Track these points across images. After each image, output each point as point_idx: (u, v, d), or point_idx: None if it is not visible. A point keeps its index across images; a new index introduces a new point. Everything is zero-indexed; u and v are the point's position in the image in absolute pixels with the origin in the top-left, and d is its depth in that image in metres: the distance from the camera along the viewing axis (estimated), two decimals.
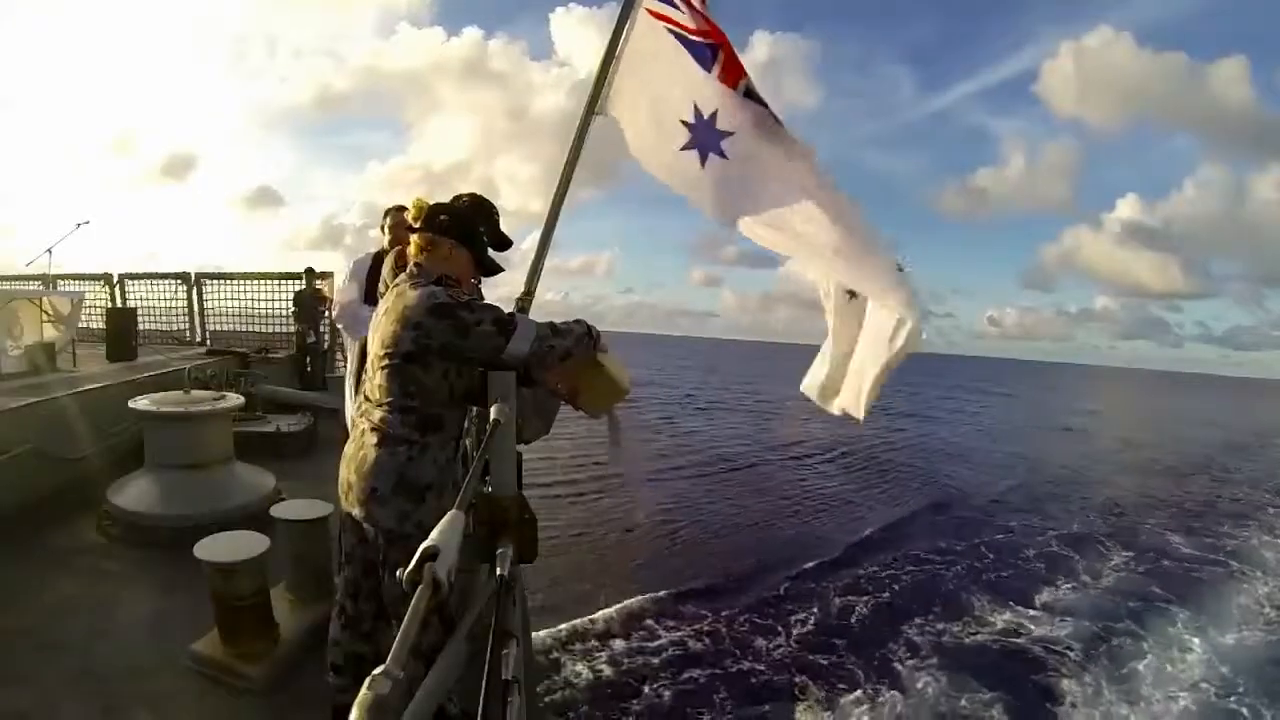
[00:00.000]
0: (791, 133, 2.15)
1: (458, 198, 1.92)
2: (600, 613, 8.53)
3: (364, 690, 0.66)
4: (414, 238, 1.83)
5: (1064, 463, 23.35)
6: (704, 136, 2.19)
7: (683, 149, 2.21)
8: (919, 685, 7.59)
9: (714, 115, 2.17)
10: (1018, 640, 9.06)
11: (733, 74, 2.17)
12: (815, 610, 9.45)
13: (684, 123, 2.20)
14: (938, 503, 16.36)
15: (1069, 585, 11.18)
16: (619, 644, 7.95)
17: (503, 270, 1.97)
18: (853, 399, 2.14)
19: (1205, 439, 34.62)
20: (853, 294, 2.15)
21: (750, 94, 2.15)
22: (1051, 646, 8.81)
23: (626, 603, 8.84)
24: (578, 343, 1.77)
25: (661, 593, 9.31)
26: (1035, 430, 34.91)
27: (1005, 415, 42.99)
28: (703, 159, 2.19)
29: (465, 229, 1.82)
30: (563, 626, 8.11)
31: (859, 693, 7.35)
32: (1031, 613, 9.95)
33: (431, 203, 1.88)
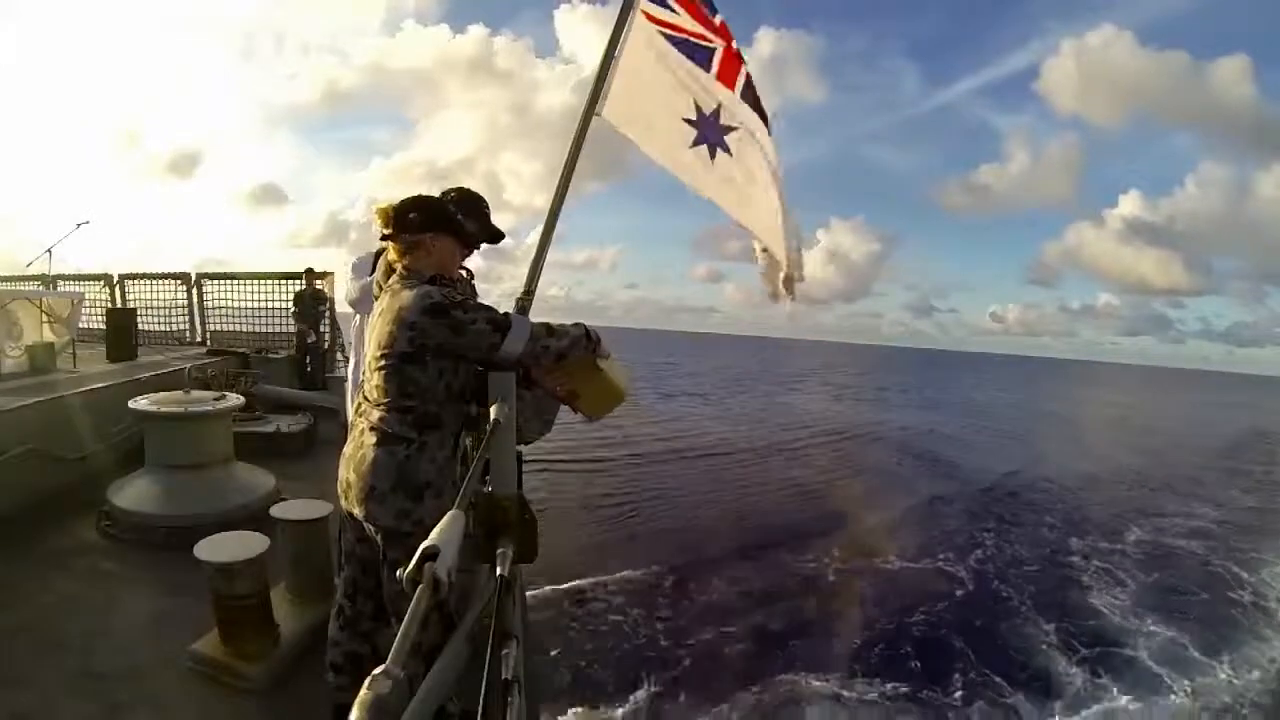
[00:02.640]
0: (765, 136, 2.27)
1: (446, 192, 1.90)
2: (588, 581, 8.74)
3: (364, 690, 0.65)
4: (390, 244, 1.79)
5: (1118, 447, 26.48)
6: (708, 132, 2.24)
7: (692, 146, 2.25)
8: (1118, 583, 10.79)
9: (716, 111, 2.22)
10: (1164, 548, 12.82)
11: (729, 75, 2.22)
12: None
13: (687, 120, 2.24)
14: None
15: (1176, 520, 15.02)
16: (611, 617, 8.13)
17: (485, 244, 1.95)
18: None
19: (1235, 422, 40.19)
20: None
21: (745, 96, 2.22)
22: (1194, 553, 12.75)
23: (615, 576, 9.04)
24: (574, 344, 1.75)
25: (653, 568, 9.51)
26: (1066, 421, 38.32)
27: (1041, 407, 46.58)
28: (712, 154, 2.24)
29: (437, 217, 1.78)
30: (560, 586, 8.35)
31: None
32: (1162, 539, 13.49)
33: (398, 201, 1.80)
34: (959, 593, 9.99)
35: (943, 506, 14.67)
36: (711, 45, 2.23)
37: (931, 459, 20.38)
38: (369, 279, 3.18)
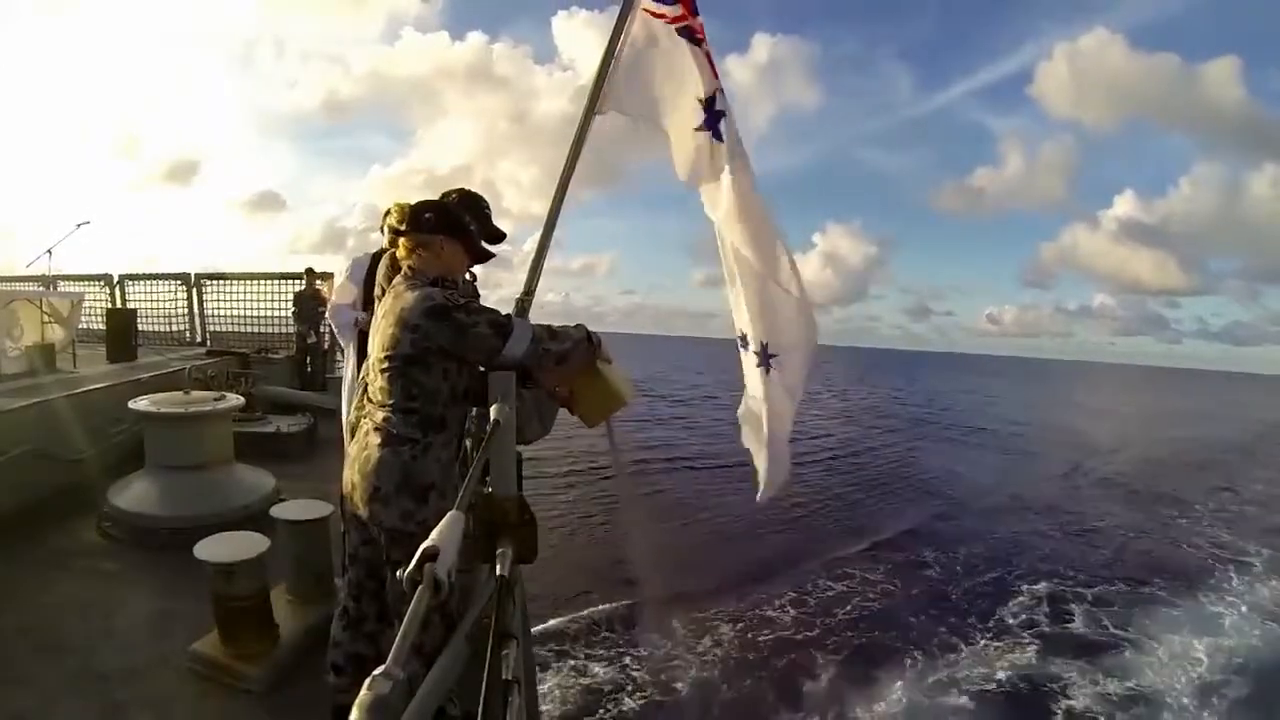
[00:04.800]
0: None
1: (447, 194, 1.92)
2: (593, 610, 8.62)
3: (364, 690, 0.66)
4: (401, 241, 1.83)
5: (1153, 438, 30.17)
6: (710, 119, 2.25)
7: (697, 129, 2.25)
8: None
9: (712, 97, 2.24)
10: (1232, 513, 16.40)
11: (713, 67, 2.25)
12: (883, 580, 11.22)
13: (700, 100, 2.24)
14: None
15: (1228, 494, 18.54)
16: (612, 646, 8.08)
17: (494, 255, 1.98)
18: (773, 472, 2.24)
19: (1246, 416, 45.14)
20: (765, 365, 2.21)
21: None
22: (1259, 515, 16.27)
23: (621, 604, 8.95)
24: (575, 347, 1.76)
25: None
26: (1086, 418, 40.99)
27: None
28: (715, 139, 2.24)
29: (451, 222, 1.81)
30: (555, 621, 8.29)
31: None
32: (1227, 507, 17.03)
33: (414, 202, 1.87)
34: (1129, 539, 13.97)
35: (1077, 486, 19.11)
36: (700, 37, 2.26)
37: (1029, 450, 25.09)
38: (346, 302, 3.17)
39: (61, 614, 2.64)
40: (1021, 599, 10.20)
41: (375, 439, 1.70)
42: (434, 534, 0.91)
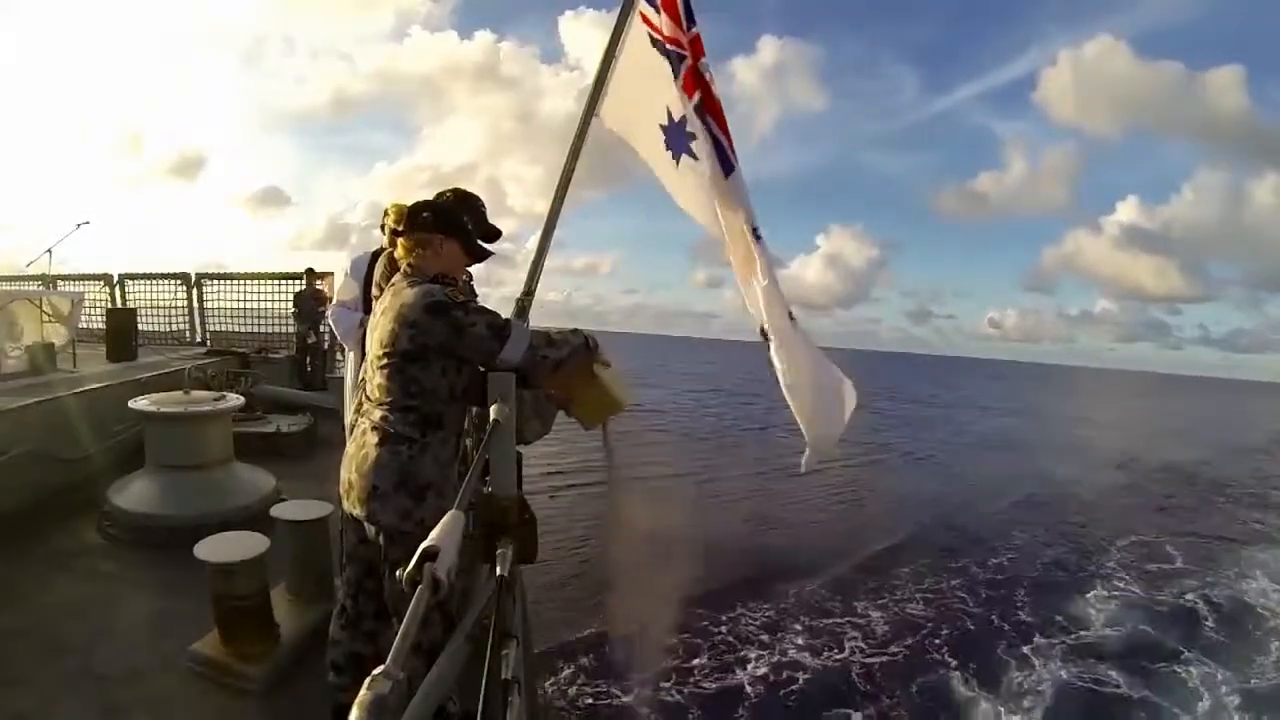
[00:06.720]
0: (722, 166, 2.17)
1: (441, 194, 1.93)
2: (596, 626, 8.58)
3: (364, 690, 0.66)
4: (400, 240, 1.83)
5: (1177, 442, 31.42)
6: (675, 139, 2.22)
7: (664, 150, 2.24)
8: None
9: (683, 119, 2.20)
10: (1265, 497, 18.72)
11: (690, 87, 2.19)
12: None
13: (661, 126, 2.23)
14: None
15: (1252, 485, 20.58)
16: (617, 658, 8.03)
17: (492, 254, 1.98)
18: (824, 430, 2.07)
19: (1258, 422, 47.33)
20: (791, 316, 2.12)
21: (700, 111, 2.17)
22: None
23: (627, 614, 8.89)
24: (572, 353, 1.76)
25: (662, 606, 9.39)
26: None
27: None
28: (676, 159, 2.22)
29: (450, 221, 1.82)
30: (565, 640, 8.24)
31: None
32: (1256, 490, 19.65)
33: (412, 202, 1.87)
34: (1198, 515, 16.06)
35: (1135, 474, 21.28)
36: (684, 53, 2.22)
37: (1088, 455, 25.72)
38: (347, 300, 3.17)
39: (62, 614, 2.64)
40: (1127, 550, 12.74)
41: (373, 437, 1.70)
42: (434, 533, 0.91)
